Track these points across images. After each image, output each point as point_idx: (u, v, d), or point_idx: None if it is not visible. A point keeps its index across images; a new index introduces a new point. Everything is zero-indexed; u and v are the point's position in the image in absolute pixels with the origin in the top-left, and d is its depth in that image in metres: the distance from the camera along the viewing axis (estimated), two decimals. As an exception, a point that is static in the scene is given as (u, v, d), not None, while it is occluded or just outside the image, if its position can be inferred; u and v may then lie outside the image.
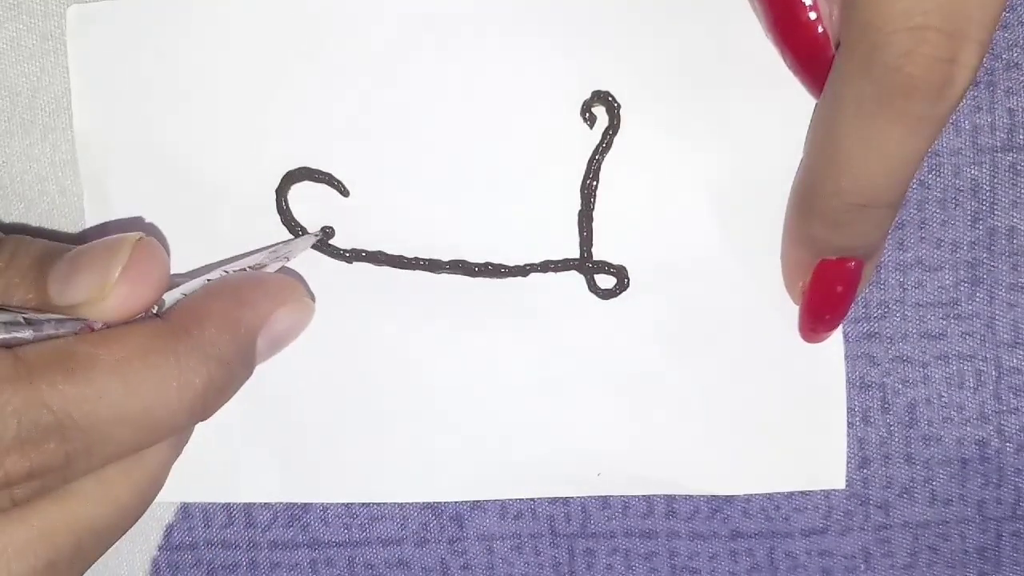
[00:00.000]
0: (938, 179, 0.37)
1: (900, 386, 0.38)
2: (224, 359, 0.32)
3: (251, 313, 0.33)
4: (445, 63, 0.37)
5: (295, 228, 0.38)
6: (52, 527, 0.30)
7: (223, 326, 0.32)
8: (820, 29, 0.32)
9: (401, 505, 0.39)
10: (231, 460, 0.39)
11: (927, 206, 0.37)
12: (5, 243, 0.32)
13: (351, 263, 0.38)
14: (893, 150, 0.30)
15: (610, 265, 0.37)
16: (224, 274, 0.35)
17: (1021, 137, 0.36)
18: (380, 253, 0.38)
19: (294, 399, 0.39)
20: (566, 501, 0.39)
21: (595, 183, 0.37)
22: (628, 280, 0.37)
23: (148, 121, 0.38)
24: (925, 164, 0.36)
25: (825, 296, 0.35)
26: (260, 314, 0.33)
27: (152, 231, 0.38)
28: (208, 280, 0.34)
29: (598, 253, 0.37)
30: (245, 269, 0.36)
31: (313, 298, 0.37)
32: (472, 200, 0.37)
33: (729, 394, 0.38)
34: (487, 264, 0.38)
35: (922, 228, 0.37)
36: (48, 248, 0.32)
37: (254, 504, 0.40)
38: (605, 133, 0.37)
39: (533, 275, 0.38)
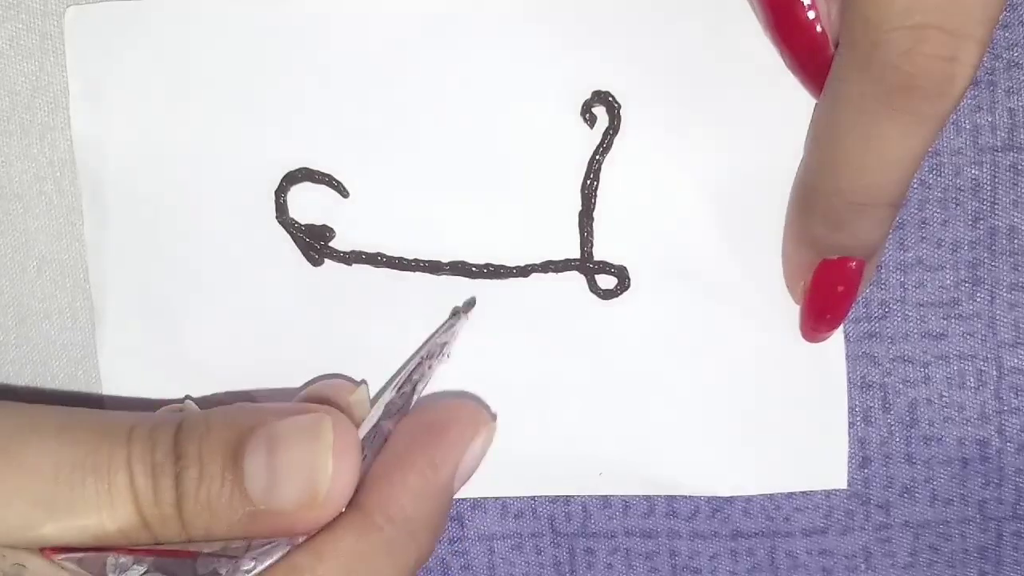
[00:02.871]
0: (939, 179, 0.37)
1: (901, 386, 0.38)
2: (430, 527, 0.32)
3: (444, 469, 0.33)
4: (445, 63, 0.37)
5: (294, 229, 0.38)
6: None
7: (422, 496, 0.32)
8: (819, 28, 0.32)
9: (401, 506, 0.39)
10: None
11: (928, 206, 0.37)
12: (186, 441, 0.30)
13: (350, 265, 0.38)
14: (893, 149, 0.30)
15: (611, 265, 0.37)
16: (396, 393, 0.34)
17: (1022, 137, 0.36)
18: (380, 255, 0.38)
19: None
20: (567, 500, 0.39)
21: (595, 183, 0.37)
22: (629, 280, 0.37)
23: (146, 121, 0.38)
24: (925, 164, 0.36)
25: (826, 296, 0.35)
26: (453, 464, 0.33)
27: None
28: (384, 408, 0.33)
29: (599, 253, 0.37)
30: (411, 377, 0.35)
31: (494, 417, 0.37)
32: (472, 201, 0.37)
33: (730, 394, 0.38)
34: (487, 265, 0.37)
35: (923, 228, 0.37)
36: (231, 433, 0.30)
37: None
38: (605, 133, 0.37)
39: (534, 276, 0.38)
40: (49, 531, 0.28)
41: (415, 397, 0.35)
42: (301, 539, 0.30)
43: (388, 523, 0.31)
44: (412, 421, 0.34)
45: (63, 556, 0.28)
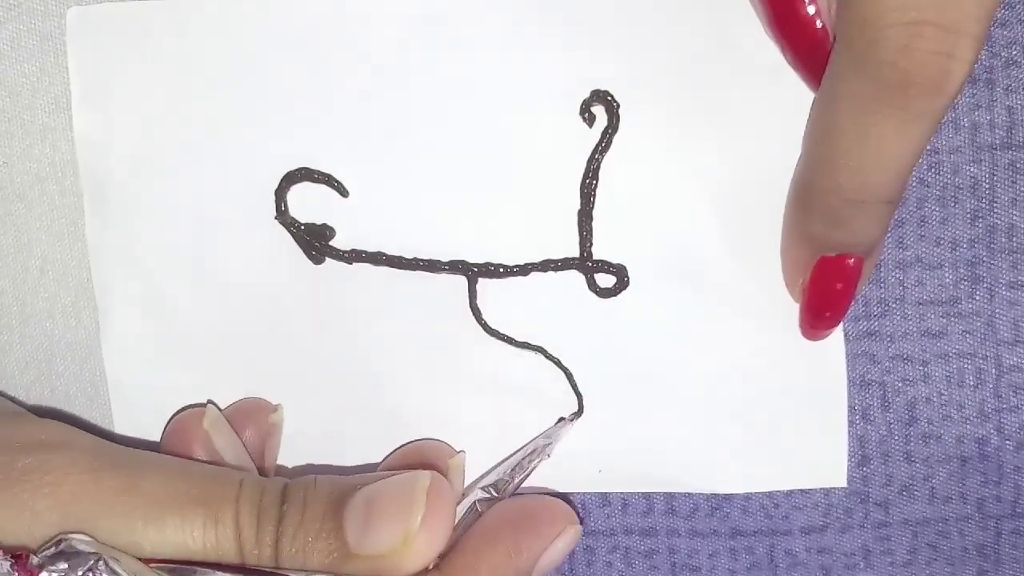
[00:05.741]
0: (937, 177, 0.37)
1: (900, 384, 0.37)
2: None
3: (527, 556, 0.34)
4: (445, 63, 0.37)
5: (294, 229, 0.38)
6: None
7: None
8: (819, 24, 0.32)
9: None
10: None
11: (926, 204, 0.37)
12: (293, 491, 0.32)
13: (351, 263, 0.38)
14: (890, 146, 0.30)
15: (610, 264, 0.37)
16: (496, 480, 0.36)
17: (1020, 135, 0.36)
18: (380, 253, 0.38)
19: (295, 400, 0.39)
20: (565, 498, 0.39)
21: (594, 182, 0.37)
22: (628, 279, 0.37)
23: (147, 122, 0.38)
24: (924, 162, 0.36)
25: (825, 293, 0.35)
26: (536, 553, 0.34)
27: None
28: (481, 491, 0.35)
29: (598, 252, 0.37)
30: (513, 469, 0.36)
31: (581, 520, 0.37)
32: (472, 200, 0.38)
33: (729, 392, 0.37)
34: (487, 264, 0.38)
35: (922, 226, 0.37)
36: (336, 488, 0.32)
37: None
38: (604, 132, 0.37)
39: (533, 274, 0.38)
40: (153, 550, 0.30)
41: (511, 486, 0.36)
42: None
43: None
44: (506, 505, 0.35)
45: (156, 564, 0.30)
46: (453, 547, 0.33)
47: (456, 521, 0.33)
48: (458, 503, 0.34)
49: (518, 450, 0.37)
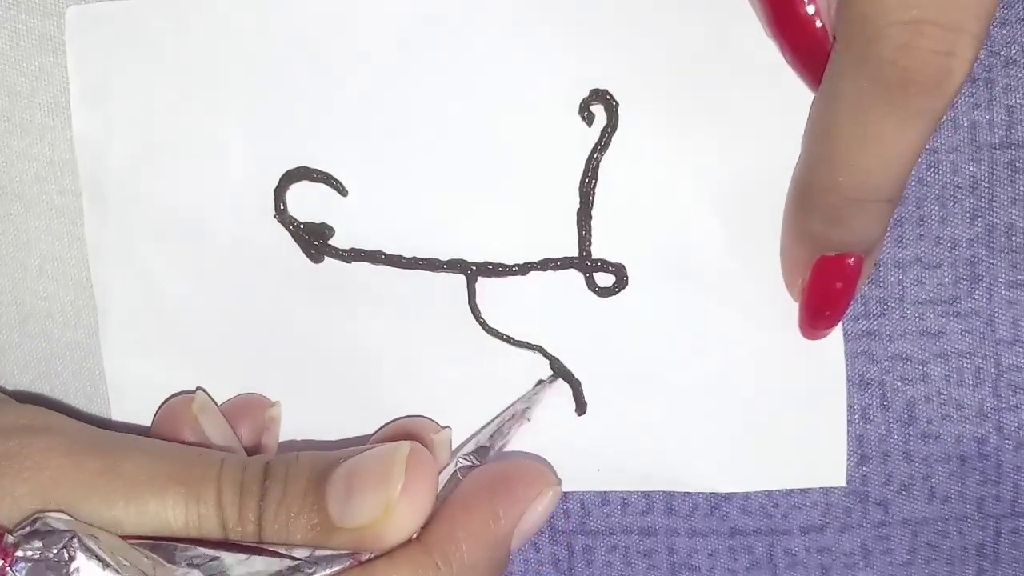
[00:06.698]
0: (937, 176, 0.37)
1: (899, 384, 0.37)
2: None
3: (506, 521, 0.34)
4: (444, 63, 0.37)
5: (293, 227, 0.38)
6: None
7: (480, 544, 0.33)
8: (819, 23, 0.32)
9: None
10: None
11: (926, 203, 0.37)
12: (275, 468, 0.32)
13: (350, 263, 0.38)
14: (890, 144, 0.30)
15: (609, 263, 0.37)
16: (474, 448, 0.36)
17: (1019, 134, 0.36)
18: (379, 253, 0.38)
19: (294, 399, 0.39)
20: (565, 497, 0.39)
21: (594, 181, 0.37)
22: (627, 278, 0.37)
23: (147, 121, 0.38)
24: (923, 161, 0.36)
25: (824, 293, 0.35)
26: (515, 518, 0.34)
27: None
28: (462, 459, 0.35)
29: (597, 251, 0.37)
30: (493, 435, 0.36)
31: (560, 481, 0.36)
32: (471, 199, 0.38)
33: (729, 391, 0.37)
34: (486, 263, 0.38)
35: (921, 225, 0.37)
36: (317, 463, 0.32)
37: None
38: (603, 131, 0.37)
39: (532, 273, 0.38)
40: (134, 530, 0.30)
41: (491, 453, 0.36)
42: (366, 556, 0.31)
43: (444, 564, 0.32)
44: (482, 471, 0.35)
45: (136, 541, 0.30)
46: (433, 516, 0.33)
47: (439, 491, 0.33)
48: (440, 473, 0.34)
49: (497, 416, 0.37)
